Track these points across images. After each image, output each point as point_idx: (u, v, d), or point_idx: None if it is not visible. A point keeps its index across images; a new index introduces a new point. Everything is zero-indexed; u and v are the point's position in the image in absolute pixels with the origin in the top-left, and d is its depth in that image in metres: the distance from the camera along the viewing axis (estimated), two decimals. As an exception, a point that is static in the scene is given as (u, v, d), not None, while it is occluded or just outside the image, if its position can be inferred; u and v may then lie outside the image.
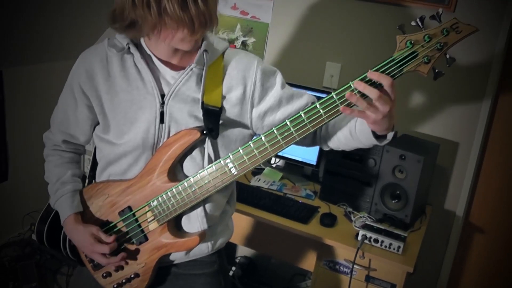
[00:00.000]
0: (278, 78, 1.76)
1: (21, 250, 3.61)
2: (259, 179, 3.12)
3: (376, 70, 1.46)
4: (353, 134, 1.65)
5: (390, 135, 1.60)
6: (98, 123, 1.78)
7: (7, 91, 3.40)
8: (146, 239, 1.74)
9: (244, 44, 3.39)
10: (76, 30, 3.56)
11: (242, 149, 1.61)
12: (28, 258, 3.52)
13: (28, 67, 3.50)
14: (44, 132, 1.95)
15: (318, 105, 1.53)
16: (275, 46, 3.35)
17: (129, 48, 1.67)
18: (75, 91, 1.76)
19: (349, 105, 1.49)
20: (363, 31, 3.08)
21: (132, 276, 1.79)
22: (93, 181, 1.90)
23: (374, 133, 1.59)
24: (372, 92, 1.44)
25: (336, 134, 1.72)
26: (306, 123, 1.55)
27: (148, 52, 1.69)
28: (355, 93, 1.46)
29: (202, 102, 1.66)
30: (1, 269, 3.38)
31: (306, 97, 1.77)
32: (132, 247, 1.77)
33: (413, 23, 1.45)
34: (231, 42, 3.41)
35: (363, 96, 1.46)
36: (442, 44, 1.44)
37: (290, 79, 1.77)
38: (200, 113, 1.67)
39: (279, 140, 1.58)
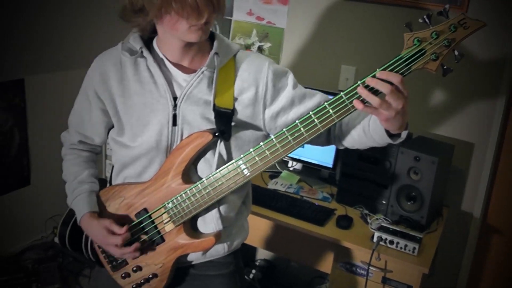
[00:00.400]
0: (290, 79, 1.77)
1: (43, 253, 3.66)
2: (276, 182, 3.14)
3: (384, 69, 1.46)
4: (366, 132, 1.65)
5: (404, 134, 1.59)
6: (112, 126, 1.82)
7: (28, 98, 3.47)
8: (163, 240, 1.77)
9: (260, 49, 3.43)
10: (94, 39, 3.62)
11: (253, 150, 1.62)
12: (51, 261, 3.57)
13: (48, 75, 3.56)
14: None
15: (327, 105, 1.54)
16: (290, 50, 3.38)
17: (142, 52, 1.70)
18: (90, 95, 1.79)
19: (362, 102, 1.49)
20: (377, 34, 3.09)
21: (151, 276, 1.82)
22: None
23: (388, 131, 1.59)
24: (384, 87, 1.44)
25: (350, 132, 1.72)
26: (316, 123, 1.56)
27: (161, 55, 1.71)
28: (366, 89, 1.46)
29: (214, 105, 1.68)
30: (24, 271, 3.43)
31: (319, 96, 1.77)
32: (149, 248, 1.79)
33: (420, 20, 1.45)
34: (247, 47, 3.45)
35: (376, 92, 1.46)
36: (450, 40, 1.43)
37: (306, 83, 1.79)
38: (212, 115, 1.69)
39: (290, 140, 1.59)
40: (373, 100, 1.46)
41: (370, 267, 2.55)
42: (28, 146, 3.56)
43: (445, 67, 1.47)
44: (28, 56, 3.34)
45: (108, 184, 1.93)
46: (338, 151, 3.07)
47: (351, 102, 1.51)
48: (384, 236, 2.54)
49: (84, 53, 3.61)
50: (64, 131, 1.98)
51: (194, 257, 1.83)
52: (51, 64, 3.53)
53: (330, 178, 3.23)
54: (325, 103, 1.55)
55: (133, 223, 1.78)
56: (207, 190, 1.68)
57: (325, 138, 1.81)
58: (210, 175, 1.67)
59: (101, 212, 1.83)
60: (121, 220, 1.79)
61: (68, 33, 3.53)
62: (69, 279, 3.51)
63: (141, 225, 1.77)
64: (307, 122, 1.57)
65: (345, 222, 2.71)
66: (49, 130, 3.63)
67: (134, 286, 1.86)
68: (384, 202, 2.81)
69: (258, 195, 2.87)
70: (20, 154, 3.51)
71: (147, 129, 1.71)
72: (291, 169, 3.36)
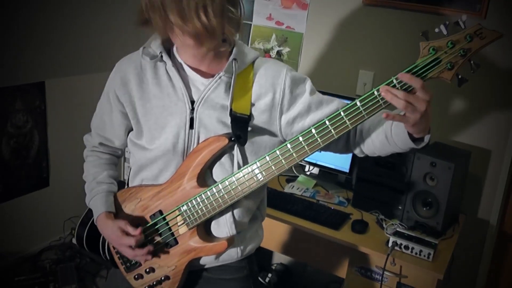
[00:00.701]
0: (308, 85, 1.77)
1: (61, 254, 3.70)
2: (293, 186, 3.15)
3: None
4: (389, 138, 1.64)
5: (427, 138, 1.58)
6: (132, 129, 1.84)
7: (49, 101, 3.51)
8: (176, 242, 1.78)
9: (279, 54, 3.44)
10: (113, 44, 3.66)
11: (268, 155, 1.63)
12: (69, 261, 3.61)
13: (68, 78, 3.60)
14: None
15: (342, 112, 1.54)
16: (309, 55, 3.39)
17: (161, 56, 1.72)
18: (111, 98, 1.82)
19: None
20: (395, 39, 3.09)
21: (163, 278, 1.83)
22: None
23: (410, 136, 1.58)
24: (416, 82, 1.44)
25: (372, 139, 1.70)
26: (330, 130, 1.56)
27: (179, 60, 1.73)
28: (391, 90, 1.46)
29: (231, 110, 1.69)
30: (42, 271, 3.48)
31: (336, 103, 1.76)
32: (163, 250, 1.81)
33: (436, 30, 1.44)
34: (267, 51, 3.46)
35: (407, 89, 1.46)
36: (465, 50, 1.41)
37: (324, 88, 1.79)
38: (228, 120, 1.69)
39: (304, 146, 1.59)
40: (398, 102, 1.45)
41: (385, 272, 2.55)
42: (48, 148, 3.61)
43: (460, 76, 1.46)
44: (49, 60, 3.39)
45: (126, 186, 1.95)
46: (354, 156, 3.05)
47: (365, 109, 1.51)
48: (399, 241, 2.54)
49: (104, 57, 3.66)
50: (87, 134, 2.01)
51: (207, 261, 1.84)
52: (71, 68, 3.57)
53: (346, 182, 3.23)
54: (340, 110, 1.55)
55: (147, 224, 1.80)
56: (221, 194, 1.68)
57: (343, 145, 1.80)
58: (225, 179, 1.68)
59: (118, 212, 1.85)
60: (137, 221, 1.81)
61: (88, 37, 3.58)
62: (86, 279, 3.55)
63: (156, 227, 1.79)
64: (321, 128, 1.57)
65: (360, 227, 2.71)
66: (68, 132, 3.68)
67: (146, 287, 1.88)
68: (400, 207, 2.81)
69: (275, 198, 2.89)
70: (39, 156, 3.56)
71: (164, 131, 1.73)
72: (307, 173, 3.37)
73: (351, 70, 3.26)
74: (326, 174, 3.30)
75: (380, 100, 1.49)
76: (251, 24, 3.50)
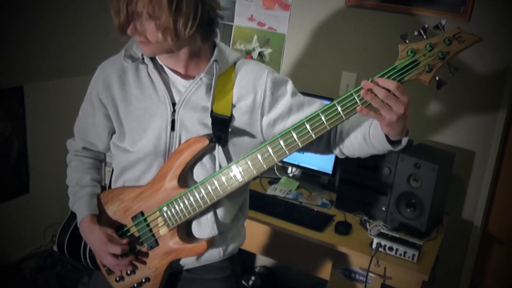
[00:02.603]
0: (289, 87, 1.77)
1: (42, 261, 3.64)
2: (276, 188, 3.13)
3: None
4: (367, 140, 1.65)
5: (404, 141, 1.59)
6: (115, 132, 1.84)
7: (28, 106, 3.46)
8: (157, 244, 1.77)
9: (261, 55, 3.43)
10: (93, 47, 3.62)
11: (247, 156, 1.63)
12: (50, 269, 3.56)
13: (48, 82, 3.56)
14: (64, 144, 2.03)
15: (320, 113, 1.54)
16: (291, 56, 3.38)
17: (143, 58, 1.73)
18: (94, 101, 1.83)
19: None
20: (378, 40, 3.09)
21: (143, 280, 1.82)
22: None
23: (388, 138, 1.59)
24: (380, 92, 1.44)
25: (351, 140, 1.72)
26: (308, 131, 1.56)
27: (160, 62, 1.74)
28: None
29: (211, 111, 1.69)
30: (22, 280, 3.42)
31: (318, 105, 1.77)
32: (143, 252, 1.80)
33: (416, 33, 1.45)
34: (248, 53, 3.44)
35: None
36: (444, 53, 1.42)
37: (307, 89, 1.78)
38: (209, 121, 1.70)
39: (282, 147, 1.60)
40: (376, 102, 1.45)
41: (369, 274, 2.53)
42: (27, 154, 3.55)
43: (438, 79, 1.46)
44: (28, 64, 3.34)
45: (107, 189, 1.95)
46: (337, 158, 3.04)
47: (343, 111, 1.52)
48: (383, 242, 2.53)
49: (84, 61, 3.62)
50: (70, 139, 2.02)
51: (189, 262, 1.83)
52: (50, 72, 3.53)
53: (329, 184, 3.22)
54: (318, 111, 1.55)
55: (129, 226, 1.79)
56: (201, 195, 1.68)
57: (324, 146, 1.81)
58: (205, 180, 1.68)
59: (100, 214, 1.85)
60: (118, 222, 1.81)
61: (68, 41, 3.53)
62: (68, 287, 3.50)
63: (137, 228, 1.78)
64: (300, 129, 1.58)
65: (344, 228, 2.70)
66: (49, 138, 3.63)
67: None
68: (383, 208, 2.80)
69: (257, 200, 2.86)
70: (19, 162, 3.50)
71: (146, 134, 1.73)
72: (290, 175, 3.35)
73: (334, 71, 3.25)
74: (309, 176, 3.28)
75: (358, 101, 1.49)
76: (232, 25, 3.47)
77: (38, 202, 3.69)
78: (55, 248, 3.19)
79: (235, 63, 1.78)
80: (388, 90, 1.44)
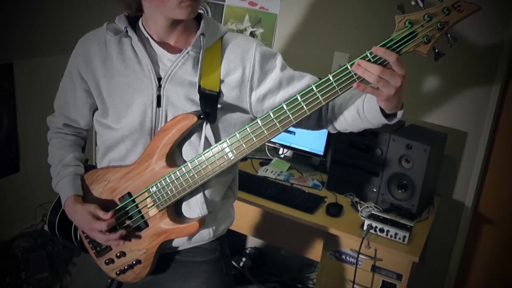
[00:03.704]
0: (278, 61, 1.74)
1: (33, 241, 3.63)
2: (267, 170, 3.12)
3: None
4: (361, 114, 1.62)
5: (400, 113, 1.56)
6: (97, 108, 1.79)
7: (17, 83, 3.43)
8: (147, 225, 1.74)
9: (252, 35, 3.40)
10: (84, 24, 3.56)
11: (238, 133, 1.59)
12: (40, 249, 3.55)
13: (37, 60, 3.52)
14: (53, 121, 1.98)
15: (314, 88, 1.51)
16: (283, 36, 3.35)
17: (127, 31, 1.68)
18: (74, 76, 1.77)
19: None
20: (371, 21, 3.06)
21: (134, 262, 1.79)
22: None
23: (382, 111, 1.56)
24: (390, 56, 1.41)
25: (343, 115, 1.68)
26: (302, 106, 1.53)
27: (146, 34, 1.69)
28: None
29: (199, 86, 1.65)
30: (13, 260, 3.41)
31: (308, 78, 1.74)
32: (133, 234, 1.77)
33: (413, 3, 1.40)
34: (240, 32, 3.41)
35: (382, 63, 1.43)
36: (443, 23, 1.38)
37: (298, 69, 1.76)
38: (197, 97, 1.66)
39: (275, 123, 1.56)
40: (370, 76, 1.42)
41: (360, 255, 2.53)
42: (17, 133, 3.53)
43: (436, 50, 1.43)
44: (17, 40, 3.31)
45: (96, 168, 1.92)
46: (329, 139, 3.04)
47: (339, 85, 1.48)
48: (374, 224, 2.52)
49: (74, 37, 3.56)
50: (50, 115, 1.97)
51: (179, 243, 1.81)
52: (40, 49, 3.49)
53: (321, 165, 3.21)
54: (312, 86, 1.51)
55: (117, 207, 1.75)
56: (191, 174, 1.65)
57: (315, 121, 1.77)
58: (194, 159, 1.64)
59: (85, 195, 1.80)
60: (105, 204, 1.76)
61: (58, 18, 3.49)
62: (59, 267, 3.49)
63: (125, 210, 1.74)
64: (294, 105, 1.54)
65: (335, 210, 2.69)
66: (39, 115, 3.56)
67: (118, 272, 1.83)
68: (375, 190, 2.79)
69: (248, 182, 2.86)
70: (9, 139, 3.48)
71: (130, 109, 1.69)
72: (281, 156, 3.34)
73: (326, 52, 3.22)
74: (300, 157, 3.27)
75: (354, 75, 1.46)
76: (223, 4, 3.43)
77: (28, 181, 3.67)
78: (46, 228, 3.19)
79: (222, 37, 1.74)
80: (384, 64, 1.42)
